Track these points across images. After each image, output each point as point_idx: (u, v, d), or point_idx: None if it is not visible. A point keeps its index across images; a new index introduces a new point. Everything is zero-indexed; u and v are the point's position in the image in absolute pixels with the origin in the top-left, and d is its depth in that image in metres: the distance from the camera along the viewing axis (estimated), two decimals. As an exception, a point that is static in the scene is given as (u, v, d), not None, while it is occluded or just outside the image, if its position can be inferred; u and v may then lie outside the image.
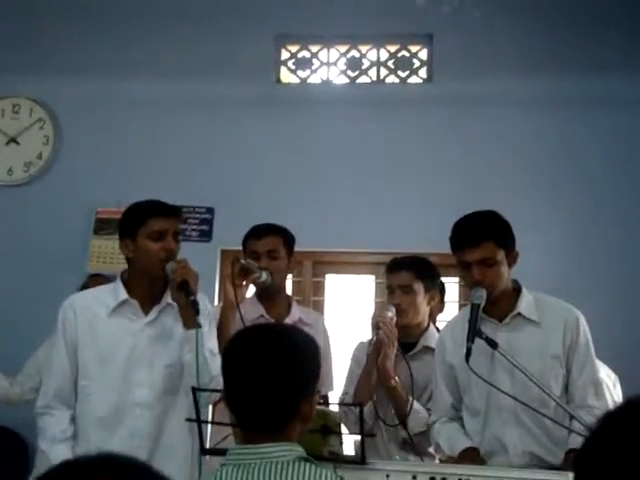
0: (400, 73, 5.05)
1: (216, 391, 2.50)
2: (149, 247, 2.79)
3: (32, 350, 3.85)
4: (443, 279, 3.55)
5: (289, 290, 3.85)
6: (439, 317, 3.61)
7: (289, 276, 3.62)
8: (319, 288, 4.83)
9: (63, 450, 2.74)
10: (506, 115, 4.71)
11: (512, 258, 2.78)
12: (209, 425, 3.39)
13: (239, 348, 1.83)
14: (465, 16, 4.76)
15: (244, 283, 3.21)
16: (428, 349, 3.22)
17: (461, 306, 4.37)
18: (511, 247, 2.78)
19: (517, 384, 2.67)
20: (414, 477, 2.33)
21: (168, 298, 2.85)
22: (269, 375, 1.74)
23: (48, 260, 4.69)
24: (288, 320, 3.31)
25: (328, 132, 4.80)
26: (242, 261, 3.20)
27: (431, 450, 3.10)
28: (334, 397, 3.48)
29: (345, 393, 3.35)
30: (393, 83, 5.06)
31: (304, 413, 1.77)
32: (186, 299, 2.74)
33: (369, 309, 4.70)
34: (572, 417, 2.60)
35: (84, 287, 3.74)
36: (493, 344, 2.62)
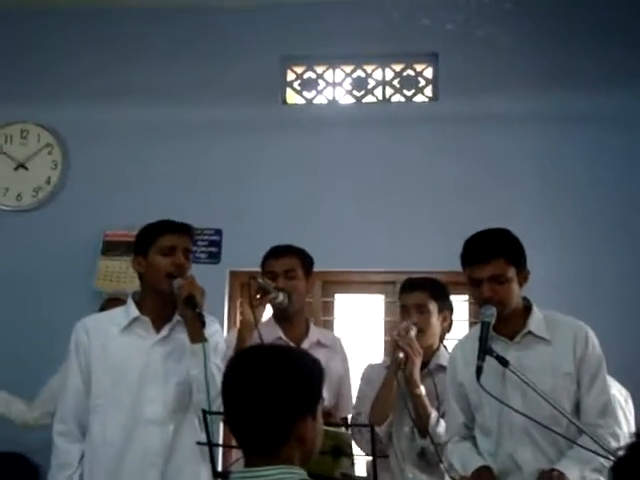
0: (406, 92, 5.07)
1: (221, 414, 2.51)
2: (158, 262, 2.83)
3: (44, 373, 3.84)
4: (452, 297, 3.54)
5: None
6: (447, 335, 3.60)
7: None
8: (328, 308, 4.82)
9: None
10: (513, 132, 4.71)
11: (523, 277, 2.77)
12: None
13: (234, 369, 1.82)
14: (470, 34, 4.79)
15: (261, 303, 3.19)
16: (441, 367, 3.23)
17: (471, 324, 4.36)
18: (522, 265, 2.77)
19: (529, 402, 2.65)
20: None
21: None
22: (260, 396, 1.72)
23: (57, 285, 4.70)
24: (306, 342, 3.31)
25: (335, 152, 4.81)
26: (259, 280, 3.19)
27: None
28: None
29: (358, 414, 3.33)
30: (399, 102, 5.07)
31: (300, 435, 1.73)
32: (192, 312, 2.76)
33: (379, 328, 4.69)
34: (582, 433, 2.57)
35: (102, 309, 3.77)
36: (504, 362, 2.60)
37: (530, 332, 2.77)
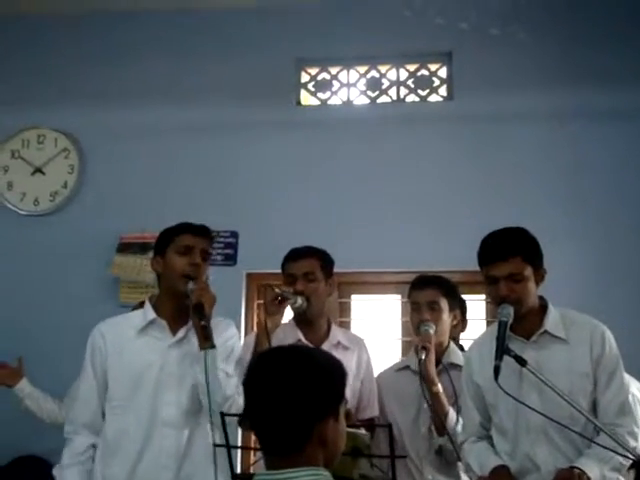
0: (420, 92, 5.06)
1: (237, 416, 2.52)
2: (175, 261, 2.86)
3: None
4: (469, 297, 3.55)
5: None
6: (462, 335, 3.60)
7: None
8: (345, 309, 4.82)
9: (70, 475, 2.80)
10: (528, 131, 4.69)
11: (539, 276, 2.77)
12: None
13: (256, 370, 1.82)
14: (483, 33, 4.77)
15: (279, 310, 3.18)
16: (452, 365, 3.26)
17: (488, 323, 4.35)
18: (539, 264, 2.77)
19: (546, 402, 2.64)
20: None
21: None
22: (280, 397, 1.72)
23: (74, 289, 4.73)
24: (326, 344, 3.29)
25: (350, 153, 4.81)
26: (276, 290, 3.18)
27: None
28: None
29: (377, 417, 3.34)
30: (413, 102, 5.06)
31: (322, 436, 1.72)
32: (197, 322, 2.78)
33: (396, 329, 4.69)
34: (600, 432, 2.56)
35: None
36: (522, 361, 2.59)
37: (546, 331, 2.76)
